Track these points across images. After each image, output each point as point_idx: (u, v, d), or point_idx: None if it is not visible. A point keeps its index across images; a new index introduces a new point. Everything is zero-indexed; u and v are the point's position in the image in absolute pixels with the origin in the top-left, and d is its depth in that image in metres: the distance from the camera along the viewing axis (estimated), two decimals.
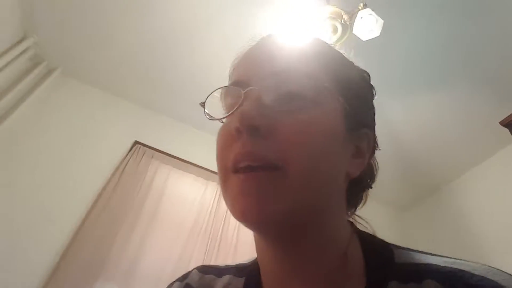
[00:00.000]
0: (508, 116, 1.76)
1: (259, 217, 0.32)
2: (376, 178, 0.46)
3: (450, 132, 2.33)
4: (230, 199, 0.35)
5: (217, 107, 0.42)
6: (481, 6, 1.69)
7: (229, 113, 0.37)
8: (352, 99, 0.39)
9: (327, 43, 0.44)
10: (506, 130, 1.77)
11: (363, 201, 0.46)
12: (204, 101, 0.42)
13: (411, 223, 2.90)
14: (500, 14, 1.71)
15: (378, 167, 0.46)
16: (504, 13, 1.71)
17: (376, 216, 0.46)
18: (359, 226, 0.43)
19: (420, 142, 2.44)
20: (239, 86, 0.38)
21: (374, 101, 0.46)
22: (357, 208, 0.46)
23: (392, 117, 2.24)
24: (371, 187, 0.46)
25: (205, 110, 0.41)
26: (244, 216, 0.33)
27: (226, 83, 0.42)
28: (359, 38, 1.59)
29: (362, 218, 0.44)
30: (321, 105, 0.36)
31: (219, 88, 0.41)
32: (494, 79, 1.99)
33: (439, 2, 1.72)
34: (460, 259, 0.34)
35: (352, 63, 0.45)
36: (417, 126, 2.34)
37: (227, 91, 0.41)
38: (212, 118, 0.41)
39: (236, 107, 0.36)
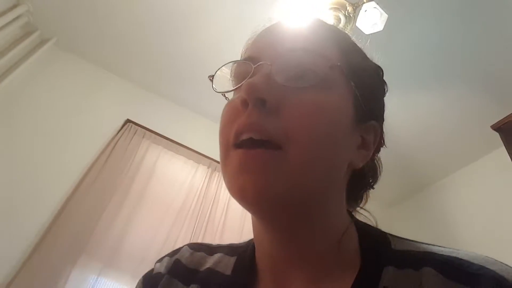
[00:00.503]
0: (500, 120, 1.78)
1: (257, 196, 0.31)
2: (378, 179, 0.46)
3: (442, 132, 2.35)
4: (229, 175, 0.34)
5: (224, 85, 0.41)
6: (481, 8, 1.69)
7: (237, 86, 0.37)
8: (363, 88, 0.38)
9: (344, 31, 0.44)
10: (497, 134, 1.79)
11: (364, 200, 0.46)
12: (213, 74, 0.41)
13: (395, 219, 2.94)
14: (498, 17, 1.71)
15: (382, 169, 0.46)
16: (502, 16, 1.71)
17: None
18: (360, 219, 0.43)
19: (411, 140, 2.46)
20: (250, 61, 0.37)
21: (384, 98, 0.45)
22: (357, 206, 0.46)
23: (387, 113, 2.24)
24: (373, 188, 0.46)
25: (213, 84, 0.40)
26: (242, 193, 0.32)
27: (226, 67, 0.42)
28: (361, 31, 1.57)
29: (364, 209, 0.45)
30: (332, 88, 0.35)
31: (230, 62, 0.41)
32: (489, 81, 2.00)
33: (440, 3, 1.71)
34: (458, 249, 0.34)
35: (366, 54, 0.44)
36: (409, 124, 2.36)
37: (237, 66, 0.40)
38: (219, 91, 0.40)
39: (245, 80, 0.35)
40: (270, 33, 0.41)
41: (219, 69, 0.41)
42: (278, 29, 0.41)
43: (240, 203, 0.33)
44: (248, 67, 0.36)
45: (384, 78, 0.45)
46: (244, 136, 0.32)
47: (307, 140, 0.32)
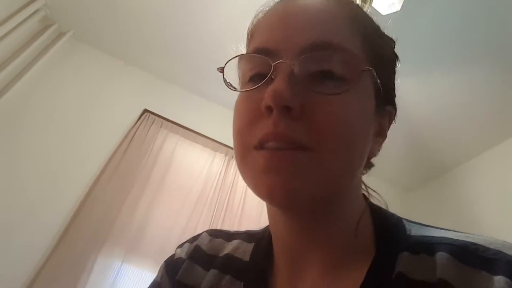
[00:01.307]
0: None
1: (287, 198, 0.31)
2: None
3: (464, 114, 2.27)
4: (252, 176, 0.33)
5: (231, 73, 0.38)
6: None
7: (256, 86, 0.34)
8: (384, 77, 0.37)
9: (363, 10, 0.41)
10: None
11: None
12: (223, 66, 0.37)
13: (413, 204, 2.88)
14: None
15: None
16: None
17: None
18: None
19: (431, 122, 2.39)
20: (266, 54, 0.34)
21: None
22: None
23: (404, 94, 2.19)
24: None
25: (224, 77, 0.37)
26: (270, 195, 0.31)
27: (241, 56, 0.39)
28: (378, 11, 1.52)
29: (375, 192, 0.44)
30: (358, 88, 0.33)
31: (243, 55, 0.38)
32: None
33: None
34: (474, 234, 0.33)
35: (384, 33, 0.41)
36: (430, 106, 2.29)
37: (249, 58, 0.37)
38: (233, 89, 0.37)
39: (264, 80, 0.33)
40: (287, 17, 0.36)
41: (228, 61, 0.37)
42: (296, 12, 0.36)
43: (266, 202, 0.32)
44: (265, 63, 0.33)
45: (401, 57, 0.42)
46: (270, 145, 0.31)
47: (339, 146, 0.31)
